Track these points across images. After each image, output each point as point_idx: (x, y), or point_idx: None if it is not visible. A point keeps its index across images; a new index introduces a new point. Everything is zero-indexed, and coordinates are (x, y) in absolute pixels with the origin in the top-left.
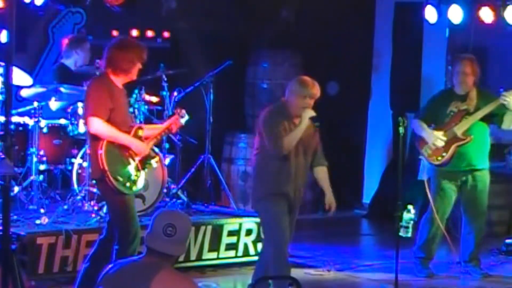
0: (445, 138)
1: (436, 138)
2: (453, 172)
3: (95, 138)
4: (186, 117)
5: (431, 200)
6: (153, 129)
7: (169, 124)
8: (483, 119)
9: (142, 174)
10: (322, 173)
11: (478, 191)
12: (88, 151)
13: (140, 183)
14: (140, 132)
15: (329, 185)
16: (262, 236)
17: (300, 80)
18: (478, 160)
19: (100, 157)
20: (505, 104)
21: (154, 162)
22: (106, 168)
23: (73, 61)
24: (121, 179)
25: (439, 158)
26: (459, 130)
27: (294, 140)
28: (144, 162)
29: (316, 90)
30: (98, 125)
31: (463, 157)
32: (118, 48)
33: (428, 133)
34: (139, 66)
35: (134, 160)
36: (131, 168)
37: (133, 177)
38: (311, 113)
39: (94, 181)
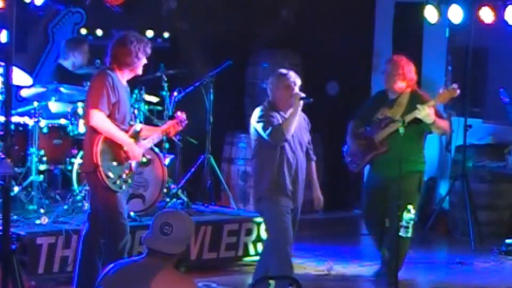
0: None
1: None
2: (378, 178)
3: (93, 131)
4: (185, 122)
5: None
6: (151, 130)
7: (167, 127)
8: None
9: (133, 174)
10: (309, 167)
11: (402, 197)
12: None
13: (130, 183)
14: (138, 130)
15: (316, 180)
16: (263, 236)
17: (278, 75)
18: (400, 167)
19: (95, 151)
20: (419, 118)
21: (143, 159)
22: (100, 163)
23: (70, 62)
24: (112, 176)
25: (354, 165)
26: (377, 138)
27: (292, 123)
28: (138, 163)
29: (295, 76)
30: (99, 119)
31: (383, 165)
32: (121, 44)
33: (352, 142)
34: (143, 60)
35: (127, 160)
36: (124, 167)
37: (124, 176)
38: (300, 94)
39: (84, 174)
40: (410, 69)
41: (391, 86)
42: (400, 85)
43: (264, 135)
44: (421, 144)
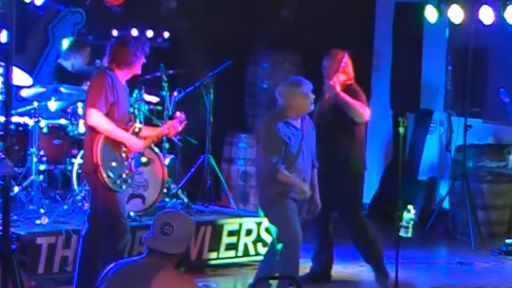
0: None
1: None
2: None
3: (93, 131)
4: (184, 123)
5: None
6: (151, 131)
7: (167, 128)
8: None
9: (133, 174)
10: (311, 173)
11: (342, 201)
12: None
13: (130, 183)
14: (137, 130)
15: (317, 186)
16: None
17: (294, 83)
18: (335, 167)
19: (95, 151)
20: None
21: (143, 159)
22: (100, 162)
23: (70, 63)
24: (112, 175)
25: None
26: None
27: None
28: (138, 163)
29: (310, 83)
30: (97, 117)
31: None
32: (120, 43)
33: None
34: (142, 59)
35: (127, 160)
36: (124, 167)
37: (124, 176)
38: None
39: (84, 174)
40: (348, 63)
41: (331, 80)
42: (341, 78)
43: (265, 153)
44: (353, 141)
